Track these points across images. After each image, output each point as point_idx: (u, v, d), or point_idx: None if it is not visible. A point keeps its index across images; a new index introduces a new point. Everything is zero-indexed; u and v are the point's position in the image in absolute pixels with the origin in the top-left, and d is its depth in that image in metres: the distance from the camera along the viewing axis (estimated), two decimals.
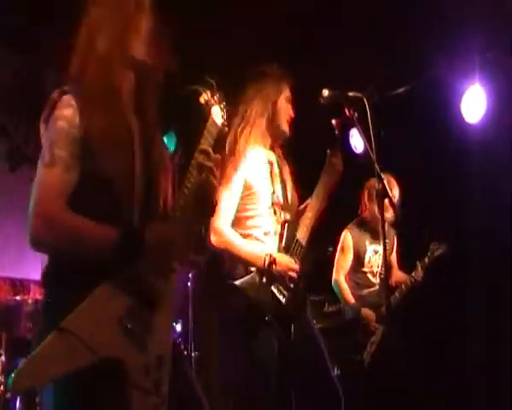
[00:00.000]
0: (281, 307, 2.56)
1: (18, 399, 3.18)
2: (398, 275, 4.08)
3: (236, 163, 2.66)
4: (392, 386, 3.41)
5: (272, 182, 2.77)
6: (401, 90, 2.92)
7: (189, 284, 3.88)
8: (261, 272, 2.55)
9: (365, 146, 2.57)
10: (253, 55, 3.08)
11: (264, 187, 2.72)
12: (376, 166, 2.51)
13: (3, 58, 4.28)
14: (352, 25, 4.21)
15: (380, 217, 2.47)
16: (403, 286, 3.92)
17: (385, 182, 2.43)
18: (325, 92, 2.67)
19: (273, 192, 2.75)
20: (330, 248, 3.45)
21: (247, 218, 2.70)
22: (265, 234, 2.69)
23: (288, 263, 2.61)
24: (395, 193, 3.87)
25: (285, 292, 2.59)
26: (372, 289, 3.94)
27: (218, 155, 1.90)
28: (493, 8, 3.95)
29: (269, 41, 3.98)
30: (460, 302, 4.41)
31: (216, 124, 1.94)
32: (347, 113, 2.61)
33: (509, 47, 4.23)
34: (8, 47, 4.28)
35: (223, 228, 2.62)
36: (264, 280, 2.53)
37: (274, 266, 2.54)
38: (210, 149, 1.88)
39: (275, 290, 2.57)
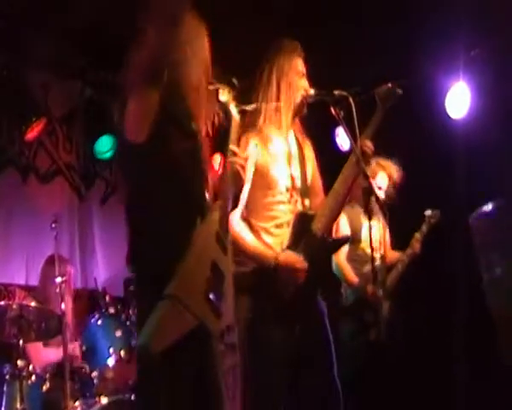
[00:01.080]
0: (285, 307, 2.48)
1: None
2: (391, 254, 4.07)
3: (245, 147, 2.53)
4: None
5: (289, 163, 2.65)
6: (392, 85, 2.90)
7: None
8: (267, 272, 2.47)
9: (351, 144, 2.58)
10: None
11: (278, 170, 2.60)
12: (362, 164, 2.52)
13: None
14: (337, 24, 4.21)
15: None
16: (404, 257, 3.92)
17: (371, 180, 2.43)
18: (311, 91, 2.67)
19: (290, 175, 2.64)
20: (348, 238, 3.42)
21: (263, 207, 2.58)
22: (278, 226, 2.58)
23: (294, 263, 2.49)
24: (394, 176, 3.92)
25: (291, 292, 2.49)
26: (375, 266, 3.90)
27: (247, 154, 2.10)
28: (478, 6, 3.98)
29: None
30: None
31: (237, 122, 2.02)
32: (333, 111, 2.60)
33: (493, 45, 4.27)
34: None
35: (231, 219, 2.42)
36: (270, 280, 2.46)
37: (279, 267, 2.46)
38: (236, 149, 2.04)
39: (279, 290, 2.48)
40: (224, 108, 2.08)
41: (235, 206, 2.06)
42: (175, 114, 1.91)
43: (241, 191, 2.13)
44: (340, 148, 4.37)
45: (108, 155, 4.77)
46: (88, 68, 4.63)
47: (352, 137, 2.57)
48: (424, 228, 3.99)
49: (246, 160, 2.11)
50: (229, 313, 1.99)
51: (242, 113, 2.09)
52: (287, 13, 4.11)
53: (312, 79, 2.79)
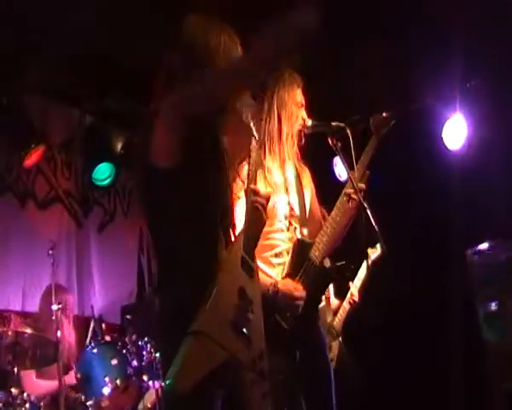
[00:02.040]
0: (284, 335, 2.46)
1: None
2: (334, 304, 4.04)
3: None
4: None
5: (287, 192, 2.67)
6: (387, 114, 2.95)
7: None
8: (266, 299, 2.49)
9: (348, 175, 2.60)
10: None
11: (276, 199, 2.59)
12: (359, 195, 2.54)
13: None
14: (335, 53, 4.26)
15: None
16: (340, 311, 3.86)
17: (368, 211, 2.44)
18: (309, 122, 2.71)
19: (288, 203, 2.64)
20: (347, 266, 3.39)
21: (261, 236, 2.49)
22: (277, 255, 2.59)
23: (292, 290, 2.49)
24: None
25: (289, 320, 2.48)
26: (320, 306, 3.87)
27: (268, 192, 2.13)
28: (477, 38, 4.04)
29: None
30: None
31: (258, 153, 2.06)
32: (330, 142, 2.63)
33: (489, 76, 4.33)
34: None
35: None
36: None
37: (278, 295, 2.45)
38: (257, 187, 2.08)
39: (278, 319, 2.47)
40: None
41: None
42: (203, 147, 1.92)
43: (260, 232, 2.09)
44: (338, 177, 4.40)
45: (107, 182, 4.78)
46: (87, 96, 4.67)
47: (350, 167, 2.60)
48: (364, 266, 3.75)
49: (267, 199, 2.11)
50: (259, 338, 1.94)
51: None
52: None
53: (311, 108, 2.83)
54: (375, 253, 3.76)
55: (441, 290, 4.39)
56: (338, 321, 3.79)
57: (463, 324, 4.25)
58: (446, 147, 4.36)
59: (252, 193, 2.07)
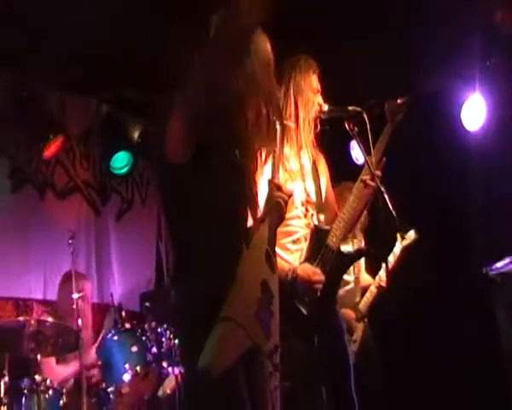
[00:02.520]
0: (303, 320, 2.49)
1: None
2: (364, 278, 4.04)
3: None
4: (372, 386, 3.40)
5: (303, 179, 2.68)
6: (402, 100, 2.91)
7: None
8: (285, 285, 2.46)
9: (365, 160, 2.60)
10: None
11: (293, 186, 2.59)
12: (377, 180, 2.53)
13: (3, 79, 4.31)
14: (352, 36, 4.22)
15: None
16: (367, 294, 3.85)
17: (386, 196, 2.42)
18: (325, 107, 2.70)
19: (304, 190, 2.66)
20: (363, 251, 3.37)
21: None
22: (294, 242, 2.61)
23: (310, 275, 2.51)
24: None
25: (308, 305, 2.50)
26: (348, 288, 3.88)
27: (291, 190, 2.15)
28: (493, 17, 3.97)
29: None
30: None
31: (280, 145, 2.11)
32: (347, 127, 2.63)
33: (508, 55, 4.24)
34: (8, 68, 4.30)
35: None
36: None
37: (296, 280, 2.47)
38: (280, 183, 2.11)
39: (297, 304, 2.50)
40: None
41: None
42: (219, 140, 1.91)
43: (278, 226, 2.09)
44: (355, 161, 4.38)
45: (124, 171, 4.82)
46: (103, 86, 4.70)
47: (366, 152, 2.60)
48: (396, 251, 3.82)
49: (289, 196, 2.12)
50: (276, 332, 1.95)
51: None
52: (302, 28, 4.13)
53: (327, 92, 2.81)
54: (407, 239, 3.77)
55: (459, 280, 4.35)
56: (364, 303, 3.80)
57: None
58: (465, 128, 4.32)
59: (275, 188, 2.09)
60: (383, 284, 3.79)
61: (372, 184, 2.58)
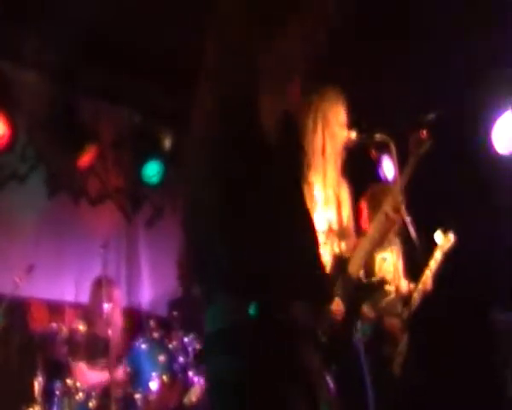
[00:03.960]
0: (322, 348, 2.44)
1: None
2: (403, 284, 4.01)
3: None
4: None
5: (326, 207, 2.71)
6: (430, 117, 2.93)
7: None
8: None
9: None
10: None
11: (316, 214, 2.63)
12: (402, 207, 2.57)
13: (43, 86, 4.44)
14: (378, 53, 4.21)
15: None
16: (416, 294, 3.83)
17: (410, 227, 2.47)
18: (352, 134, 2.74)
19: (326, 218, 2.68)
20: (383, 282, 3.39)
21: None
22: None
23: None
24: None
25: (327, 333, 2.52)
26: (389, 298, 3.89)
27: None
28: None
29: None
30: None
31: None
32: (373, 155, 2.66)
33: None
34: (46, 76, 4.43)
35: None
36: None
37: None
38: None
39: (316, 331, 2.47)
40: None
41: None
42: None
43: None
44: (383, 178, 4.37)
45: (156, 179, 4.92)
46: (136, 94, 4.79)
47: (393, 179, 2.64)
48: (437, 256, 3.71)
49: None
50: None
51: None
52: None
53: (354, 118, 2.83)
54: (447, 243, 3.70)
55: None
56: (407, 312, 3.78)
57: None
58: (496, 150, 4.24)
59: None
60: (428, 287, 3.72)
61: (393, 216, 2.61)
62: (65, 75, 4.41)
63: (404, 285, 3.90)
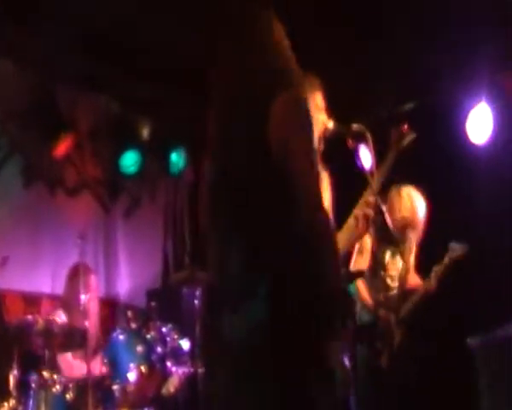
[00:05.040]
0: None
1: None
2: (413, 279, 4.05)
3: None
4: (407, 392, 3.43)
5: None
6: (407, 107, 2.96)
7: (195, 301, 3.93)
8: None
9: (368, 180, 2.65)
10: None
11: None
12: (377, 198, 2.58)
13: (18, 75, 4.36)
14: (359, 42, 4.22)
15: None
16: (414, 295, 3.90)
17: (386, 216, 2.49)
18: (329, 124, 2.73)
19: None
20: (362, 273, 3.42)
21: None
22: None
23: None
24: (419, 206, 3.83)
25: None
26: (391, 294, 3.92)
27: None
28: (504, 26, 3.95)
29: None
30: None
31: None
32: (350, 145, 2.67)
33: None
34: (22, 64, 4.36)
35: None
36: None
37: None
38: None
39: None
40: None
41: None
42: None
43: None
44: (362, 168, 4.39)
45: (133, 169, 4.88)
46: (113, 82, 4.74)
47: (369, 171, 2.64)
48: (446, 260, 3.83)
49: None
50: None
51: None
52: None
53: (334, 105, 2.83)
54: (458, 251, 3.80)
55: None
56: (405, 309, 3.81)
57: None
58: (470, 140, 4.26)
59: None
60: (431, 287, 3.78)
61: (363, 220, 2.60)
62: (41, 63, 4.33)
63: (413, 281, 3.93)
